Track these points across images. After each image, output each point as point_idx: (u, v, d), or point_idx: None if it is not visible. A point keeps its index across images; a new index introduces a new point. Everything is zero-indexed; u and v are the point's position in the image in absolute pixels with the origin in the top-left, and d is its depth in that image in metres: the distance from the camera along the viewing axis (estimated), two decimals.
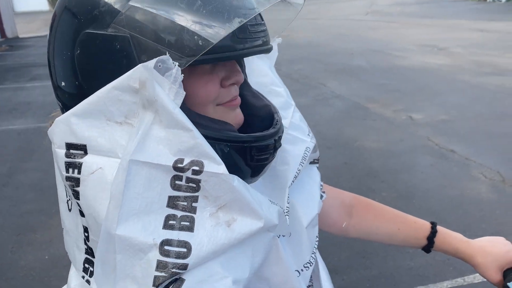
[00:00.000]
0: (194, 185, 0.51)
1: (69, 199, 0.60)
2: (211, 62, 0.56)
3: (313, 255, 0.72)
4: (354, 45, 10.71)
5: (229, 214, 0.53)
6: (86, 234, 0.56)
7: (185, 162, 0.50)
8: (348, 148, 4.53)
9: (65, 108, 0.59)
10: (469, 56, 8.74)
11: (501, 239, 0.92)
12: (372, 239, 1.01)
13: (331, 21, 16.70)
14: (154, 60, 0.50)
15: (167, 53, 0.52)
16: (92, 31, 0.54)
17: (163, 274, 0.49)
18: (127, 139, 0.52)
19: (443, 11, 17.72)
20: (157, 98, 0.50)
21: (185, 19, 0.52)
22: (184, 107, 0.53)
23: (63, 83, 0.59)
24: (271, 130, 0.62)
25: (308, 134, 0.78)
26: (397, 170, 3.97)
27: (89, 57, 0.55)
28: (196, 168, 0.51)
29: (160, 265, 0.49)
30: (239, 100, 0.63)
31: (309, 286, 0.72)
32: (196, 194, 0.52)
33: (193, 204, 0.52)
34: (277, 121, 0.64)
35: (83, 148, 0.54)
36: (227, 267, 0.52)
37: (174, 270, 0.49)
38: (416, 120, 5.29)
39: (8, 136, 5.36)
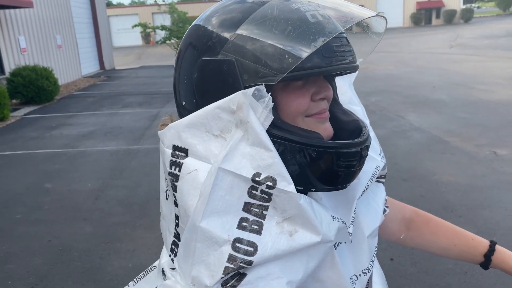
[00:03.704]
0: (267, 197, 0.60)
1: (168, 190, 0.72)
2: (301, 77, 0.65)
3: (371, 263, 0.79)
4: (436, 79, 10.39)
5: (292, 226, 0.61)
6: (177, 221, 0.68)
7: (261, 177, 0.59)
8: (425, 182, 4.40)
9: None
10: None
11: None
12: (427, 251, 1.07)
13: (413, 54, 16.33)
14: (252, 89, 0.60)
15: (263, 71, 0.62)
16: (206, 58, 0.66)
17: (232, 266, 0.58)
18: (219, 149, 0.62)
19: None
20: (249, 120, 0.60)
21: (278, 43, 0.62)
22: (277, 118, 0.64)
23: (184, 102, 0.72)
24: (358, 140, 0.69)
25: (379, 154, 0.85)
26: (477, 206, 3.78)
27: (204, 78, 0.67)
28: (270, 183, 0.59)
29: (231, 258, 0.58)
30: (327, 114, 0.71)
31: None
32: (267, 204, 0.60)
33: (264, 212, 0.60)
34: (364, 132, 0.72)
35: (185, 151, 0.65)
36: (284, 269, 0.60)
37: (241, 264, 0.58)
38: (501, 155, 5.01)
39: (102, 156, 5.93)
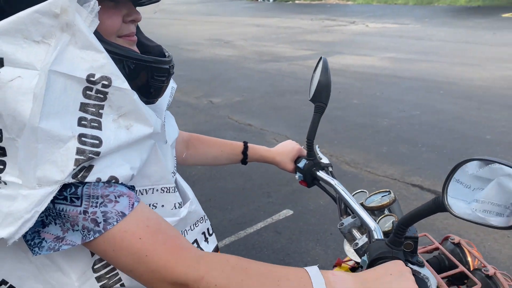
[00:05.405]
0: (102, 96, 0.64)
1: None
2: None
3: (175, 168, 0.94)
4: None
5: (127, 121, 0.67)
6: (0, 135, 0.64)
7: (96, 77, 0.63)
8: None
9: None
10: (250, 47, 9.97)
11: (289, 141, 1.33)
12: (205, 164, 1.33)
13: None
14: None
15: None
16: None
17: (82, 157, 0.62)
18: (44, 55, 0.62)
19: (223, 9, 19.41)
20: (76, 23, 0.62)
21: None
22: (95, 32, 0.66)
23: None
24: (167, 58, 0.79)
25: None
26: None
27: None
28: (106, 82, 0.63)
29: (79, 151, 0.62)
30: (136, 37, 0.78)
31: None
32: (102, 103, 0.65)
33: (100, 111, 0.65)
34: (169, 55, 0.83)
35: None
36: (125, 158, 0.68)
37: (90, 155, 0.63)
38: (216, 103, 5.91)
39: None
